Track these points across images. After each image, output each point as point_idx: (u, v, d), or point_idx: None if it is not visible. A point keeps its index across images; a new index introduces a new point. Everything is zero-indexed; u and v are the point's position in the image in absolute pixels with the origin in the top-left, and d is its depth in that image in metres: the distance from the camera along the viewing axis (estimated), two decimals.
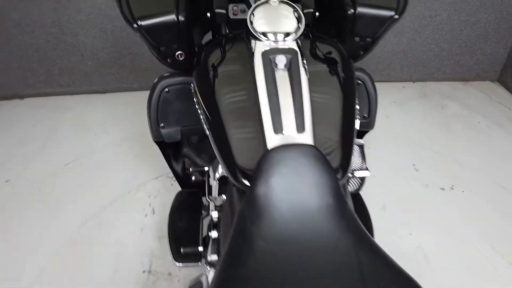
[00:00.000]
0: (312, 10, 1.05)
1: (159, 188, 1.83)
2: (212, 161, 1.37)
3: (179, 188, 1.50)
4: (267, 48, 0.84)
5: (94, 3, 2.24)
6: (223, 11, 1.03)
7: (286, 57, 0.83)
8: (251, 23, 0.87)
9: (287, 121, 0.76)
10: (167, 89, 1.12)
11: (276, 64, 0.82)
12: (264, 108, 0.78)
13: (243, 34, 0.93)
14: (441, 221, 1.74)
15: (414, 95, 2.59)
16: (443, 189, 1.92)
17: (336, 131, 0.81)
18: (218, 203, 1.15)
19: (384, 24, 1.01)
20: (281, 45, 0.84)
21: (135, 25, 0.91)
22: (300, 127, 0.76)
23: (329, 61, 0.92)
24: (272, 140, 0.75)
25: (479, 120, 2.41)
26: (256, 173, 0.72)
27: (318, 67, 0.89)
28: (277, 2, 0.88)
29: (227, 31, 1.10)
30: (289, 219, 0.70)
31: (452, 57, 2.68)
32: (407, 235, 1.66)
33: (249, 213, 0.71)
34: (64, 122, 2.31)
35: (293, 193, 0.71)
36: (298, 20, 0.88)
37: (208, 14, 1.08)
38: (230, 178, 0.78)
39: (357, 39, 1.05)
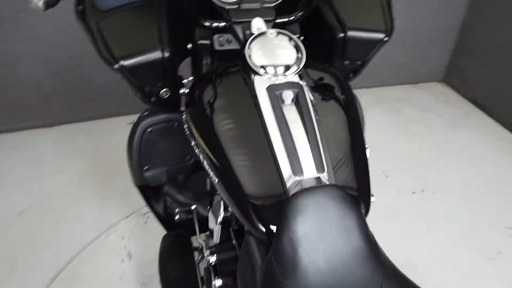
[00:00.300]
0: (298, 36, 1.02)
1: (132, 228, 1.69)
2: (198, 198, 1.28)
3: (154, 225, 1.38)
4: (272, 83, 0.78)
5: (39, 32, 2.04)
6: (208, 42, 0.96)
7: (293, 91, 0.77)
8: (249, 56, 0.81)
9: (306, 161, 0.71)
10: (150, 129, 1.02)
11: (283, 100, 0.77)
12: (279, 148, 0.72)
13: (238, 67, 0.87)
14: (418, 224, 1.78)
15: (372, 101, 2.66)
16: (414, 192, 1.97)
17: (352, 165, 0.78)
18: (212, 244, 1.07)
19: (375, 47, 0.99)
20: (284, 79, 0.79)
21: (116, 66, 0.82)
22: (320, 167, 0.71)
23: (332, 91, 0.88)
24: (294, 184, 0.69)
25: (434, 120, 2.53)
26: (281, 222, 0.66)
27: (322, 98, 0.85)
28: (274, 33, 0.83)
29: (211, 62, 1.03)
30: (325, 269, 0.65)
31: (402, 62, 2.79)
32: (391, 242, 1.67)
33: (279, 266, 0.65)
34: (10, 164, 2.07)
35: (324, 240, 0.66)
36: (297, 49, 0.84)
37: (189, 46, 1.00)
38: (250, 229, 0.71)
39: (347, 62, 1.03)
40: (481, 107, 2.64)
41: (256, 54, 0.82)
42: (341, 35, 0.97)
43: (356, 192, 0.74)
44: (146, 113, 1.03)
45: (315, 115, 0.77)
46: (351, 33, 0.97)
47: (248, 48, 0.83)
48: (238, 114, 0.80)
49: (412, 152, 2.23)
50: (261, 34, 0.84)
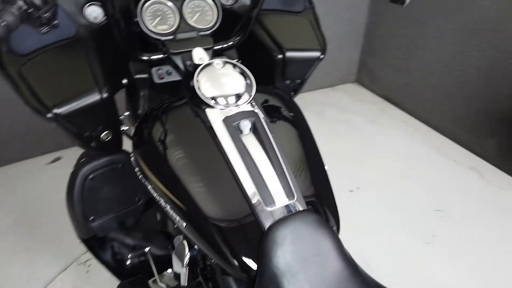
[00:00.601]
0: (236, 60, 1.02)
1: (73, 280, 1.53)
2: (150, 239, 1.20)
3: (99, 273, 1.27)
4: (227, 115, 0.76)
5: None
6: (145, 76, 0.91)
7: (250, 121, 0.76)
8: (198, 88, 0.78)
9: (275, 190, 0.70)
10: (91, 176, 0.93)
11: (241, 131, 0.75)
12: (246, 180, 0.70)
13: (186, 100, 0.83)
14: (360, 219, 1.87)
15: None
16: (352, 190, 2.08)
17: (316, 184, 0.79)
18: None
19: (312, 65, 1.03)
20: (237, 109, 0.77)
21: (49, 115, 0.74)
22: (289, 193, 0.71)
23: (283, 113, 0.89)
24: (267, 216, 0.68)
25: (354, 119, 2.70)
26: (262, 258, 0.65)
27: (277, 122, 0.85)
28: (221, 63, 0.81)
29: (149, 96, 0.97)
30: None
31: (319, 67, 2.93)
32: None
33: None
34: None
35: (306, 268, 0.66)
36: (244, 76, 0.83)
37: (125, 81, 0.94)
38: (228, 269, 0.68)
39: (287, 82, 1.05)
40: (393, 102, 2.88)
41: (205, 86, 0.79)
42: (280, 56, 0.99)
43: (326, 211, 0.75)
44: (84, 158, 0.94)
45: (274, 141, 0.77)
46: (289, 54, 0.99)
47: (196, 80, 0.80)
48: (196, 150, 0.77)
49: (342, 152, 2.35)
50: (207, 65, 0.81)
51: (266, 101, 0.88)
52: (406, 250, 1.74)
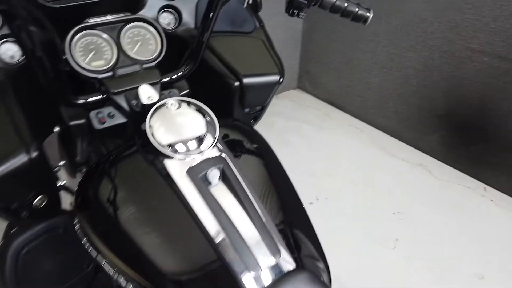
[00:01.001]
0: (187, 90, 0.91)
1: None
2: None
3: None
4: (191, 165, 0.65)
5: None
6: (83, 121, 0.77)
7: (218, 168, 0.66)
8: (152, 135, 0.66)
9: (258, 250, 0.60)
10: (26, 249, 0.77)
11: (209, 182, 0.65)
12: (223, 244, 0.59)
13: (137, 148, 0.71)
14: (323, 231, 1.82)
15: None
16: (311, 203, 2.03)
17: (300, 234, 0.71)
18: None
19: (272, 90, 0.94)
20: (201, 155, 0.66)
21: None
22: (275, 250, 0.61)
23: (251, 149, 0.80)
24: (252, 283, 0.58)
25: (303, 127, 2.67)
26: None
27: (245, 162, 0.75)
28: (176, 103, 0.69)
29: (89, 143, 0.83)
30: None
31: None
32: None
33: None
34: None
35: None
36: (203, 114, 0.72)
37: (56, 129, 0.79)
38: None
39: (247, 110, 0.95)
40: (337, 105, 2.90)
41: (159, 132, 0.67)
42: (237, 84, 0.90)
43: (316, 265, 0.66)
44: (14, 229, 0.77)
45: (247, 188, 0.67)
46: (247, 81, 0.90)
47: (149, 126, 0.67)
48: (157, 210, 0.64)
49: (296, 163, 2.30)
50: (161, 106, 0.70)
51: (230, 139, 0.78)
52: (372, 259, 1.72)
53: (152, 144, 0.65)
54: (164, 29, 0.92)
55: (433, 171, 2.26)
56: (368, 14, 0.81)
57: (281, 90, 3.11)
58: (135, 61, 0.82)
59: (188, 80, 0.91)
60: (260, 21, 1.04)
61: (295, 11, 0.80)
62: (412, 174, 2.26)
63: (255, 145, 0.82)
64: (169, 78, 0.86)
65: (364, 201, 2.04)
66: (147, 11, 0.91)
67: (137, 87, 0.75)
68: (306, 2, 0.77)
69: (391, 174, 2.24)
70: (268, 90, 0.95)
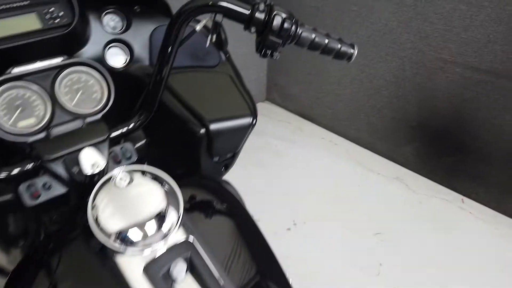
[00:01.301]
0: (144, 141, 0.77)
1: None
2: None
3: None
4: (149, 259, 0.51)
5: None
6: (10, 197, 0.62)
7: (185, 259, 0.52)
8: (95, 220, 0.52)
9: None
10: None
11: (174, 279, 0.51)
12: None
13: (79, 233, 0.56)
14: (303, 257, 1.72)
15: None
16: (289, 229, 1.92)
17: None
18: None
19: (245, 134, 0.81)
20: (163, 243, 0.53)
21: None
22: None
23: (220, 213, 0.67)
24: None
25: (275, 143, 2.56)
26: None
27: (217, 236, 0.62)
28: (126, 175, 0.55)
29: (24, 225, 0.68)
30: None
31: None
32: None
33: None
34: None
35: None
36: (160, 182, 0.58)
37: None
38: None
39: (216, 158, 0.82)
40: (308, 118, 2.81)
41: (104, 215, 0.52)
42: (202, 131, 0.76)
43: None
44: None
45: (220, 275, 0.54)
46: (214, 126, 0.77)
47: (92, 207, 0.53)
48: None
49: (270, 186, 2.19)
50: (108, 179, 0.55)
51: (196, 202, 0.65)
52: (354, 286, 1.63)
53: (96, 235, 0.51)
54: (112, 69, 0.78)
55: (410, 185, 2.21)
56: (352, 51, 0.69)
57: None
58: (75, 116, 0.67)
59: (145, 128, 0.77)
60: (226, 52, 0.92)
61: (267, 51, 0.67)
62: (390, 189, 2.19)
63: (225, 206, 0.70)
64: (119, 131, 0.71)
65: (343, 222, 1.94)
66: (90, 49, 0.76)
67: (79, 150, 0.61)
68: (280, 41, 0.65)
69: (368, 191, 2.17)
70: (240, 135, 0.82)
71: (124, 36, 0.81)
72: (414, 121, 2.19)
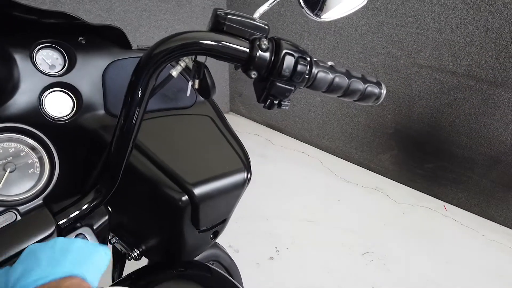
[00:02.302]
0: (107, 218, 0.58)
1: None
2: None
3: None
4: None
5: None
6: None
7: None
8: None
9: None
10: None
11: None
12: None
13: None
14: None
15: None
16: (272, 257, 1.75)
17: None
18: None
19: (239, 195, 0.64)
20: None
21: None
22: None
23: None
24: None
25: None
26: None
27: None
28: None
29: None
30: None
31: None
32: None
33: None
34: None
35: None
36: None
37: None
38: None
39: (203, 227, 0.64)
40: (278, 129, 2.67)
41: None
42: (184, 198, 0.58)
43: None
44: None
45: None
46: (199, 191, 0.59)
47: None
48: None
49: (247, 209, 1.99)
50: None
51: None
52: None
53: None
54: (54, 122, 0.57)
55: (390, 194, 2.12)
56: (379, 90, 0.54)
57: None
58: (5, 205, 0.47)
59: (109, 201, 0.57)
60: (210, 75, 0.73)
61: (275, 100, 0.50)
62: (371, 201, 2.09)
63: None
64: (72, 216, 0.52)
65: (328, 244, 1.81)
66: (20, 100, 0.56)
67: (14, 257, 0.41)
68: (292, 88, 0.49)
69: (349, 205, 2.05)
70: (233, 197, 0.65)
71: (67, 78, 0.61)
72: (391, 128, 2.10)
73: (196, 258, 0.73)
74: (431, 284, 1.62)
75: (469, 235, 1.87)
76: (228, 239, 1.81)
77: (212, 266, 0.70)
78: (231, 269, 0.80)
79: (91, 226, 0.56)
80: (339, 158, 2.40)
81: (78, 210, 0.52)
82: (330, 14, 0.53)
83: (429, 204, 2.05)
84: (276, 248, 1.79)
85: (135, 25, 1.94)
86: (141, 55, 0.64)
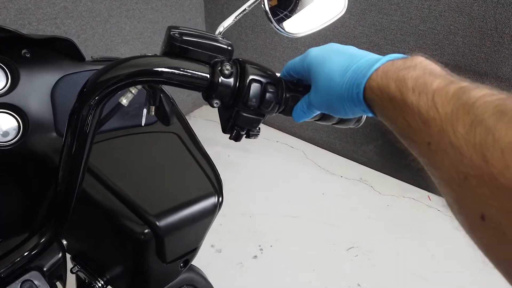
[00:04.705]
0: (60, 256, 0.52)
1: None
2: None
3: None
4: None
5: None
6: None
7: None
8: None
9: None
10: None
11: None
12: None
13: None
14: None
15: None
16: (256, 256, 1.71)
17: None
18: None
19: (210, 222, 0.58)
20: None
21: None
22: None
23: None
24: None
25: (227, 153, 2.32)
26: None
27: None
28: None
29: None
30: None
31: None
32: None
33: None
34: None
35: None
36: None
37: None
38: None
39: (170, 259, 0.58)
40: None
41: None
42: (146, 231, 0.52)
43: None
44: None
45: None
46: (163, 223, 0.53)
47: None
48: None
49: (228, 207, 1.95)
50: None
51: None
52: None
53: None
54: None
55: (375, 186, 2.09)
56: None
57: (191, 108, 2.71)
58: None
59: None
60: (169, 100, 0.66)
61: (241, 131, 0.44)
62: (355, 193, 2.06)
63: None
64: (15, 262, 0.45)
65: (312, 240, 1.78)
66: None
67: None
68: (261, 118, 0.43)
69: (333, 198, 2.02)
70: (203, 225, 0.59)
71: (9, 98, 0.53)
72: (375, 119, 2.06)
73: (169, 285, 0.68)
74: (417, 278, 1.61)
75: (454, 226, 1.86)
76: (210, 239, 1.76)
77: None
78: None
79: (41, 268, 0.49)
80: (323, 149, 2.36)
81: (21, 256, 0.45)
82: (303, 28, 0.46)
83: (413, 194, 2.04)
84: (259, 246, 1.75)
85: (104, 16, 1.83)
86: (96, 68, 0.57)
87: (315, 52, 0.42)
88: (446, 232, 1.83)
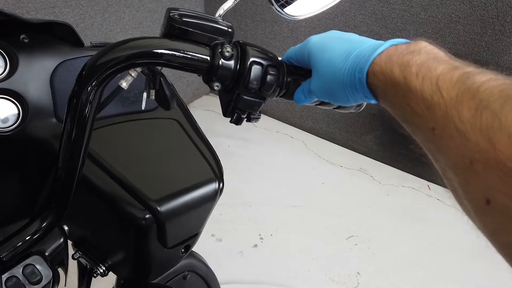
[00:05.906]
0: (61, 242, 0.53)
1: None
2: None
3: None
4: None
5: None
6: None
7: None
8: None
9: None
10: None
11: None
12: None
13: None
14: (277, 279, 1.55)
15: None
16: (256, 245, 1.72)
17: None
18: None
19: (210, 207, 0.58)
20: None
21: None
22: None
23: None
24: None
25: (227, 143, 2.32)
26: None
27: None
28: None
29: None
30: None
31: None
32: None
33: None
34: None
35: None
36: None
37: None
38: None
39: (172, 244, 0.59)
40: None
41: None
42: (148, 216, 0.52)
43: None
44: None
45: None
46: (164, 208, 0.53)
47: None
48: None
49: (228, 195, 1.96)
50: None
51: None
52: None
53: None
54: None
55: (374, 176, 2.09)
56: None
57: (191, 98, 2.70)
58: None
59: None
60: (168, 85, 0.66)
61: (242, 114, 0.44)
62: (355, 182, 2.06)
63: None
64: (17, 247, 0.45)
65: (312, 228, 1.79)
66: None
67: None
68: (262, 101, 0.43)
69: (333, 187, 2.02)
70: (203, 210, 0.59)
71: (8, 83, 0.53)
72: (374, 109, 2.06)
73: (170, 271, 0.68)
74: (416, 266, 1.62)
75: (453, 215, 1.87)
76: (211, 228, 1.77)
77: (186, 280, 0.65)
78: (208, 278, 0.75)
79: (42, 253, 0.50)
80: (323, 139, 2.36)
81: (23, 240, 0.45)
82: (304, 10, 0.46)
83: (413, 184, 2.04)
84: (260, 235, 1.75)
85: (103, 5, 1.81)
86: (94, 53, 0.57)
87: (315, 39, 0.42)
88: (445, 221, 1.84)
